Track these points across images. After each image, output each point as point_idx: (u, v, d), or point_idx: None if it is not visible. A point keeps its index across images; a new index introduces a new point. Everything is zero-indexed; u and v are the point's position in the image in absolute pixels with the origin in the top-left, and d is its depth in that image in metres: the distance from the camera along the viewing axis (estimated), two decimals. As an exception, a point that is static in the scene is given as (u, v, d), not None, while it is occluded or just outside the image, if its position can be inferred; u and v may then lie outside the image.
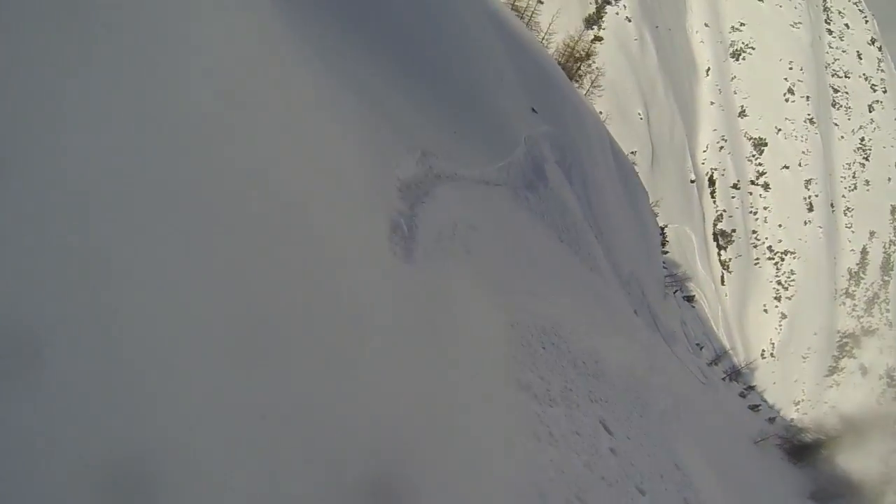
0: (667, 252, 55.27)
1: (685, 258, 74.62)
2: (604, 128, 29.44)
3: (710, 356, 46.45)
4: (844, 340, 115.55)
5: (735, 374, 45.28)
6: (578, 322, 8.44)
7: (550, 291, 8.63)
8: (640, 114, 69.23)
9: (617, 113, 62.03)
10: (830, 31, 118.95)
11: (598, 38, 70.13)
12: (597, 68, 44.46)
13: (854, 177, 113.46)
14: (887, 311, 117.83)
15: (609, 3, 76.48)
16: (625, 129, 61.50)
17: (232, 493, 1.75)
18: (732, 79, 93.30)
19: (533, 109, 15.52)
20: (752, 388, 51.85)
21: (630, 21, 74.02)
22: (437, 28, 10.91)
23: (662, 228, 52.02)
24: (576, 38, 42.31)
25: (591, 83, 43.44)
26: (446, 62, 10.52)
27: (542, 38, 38.91)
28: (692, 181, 77.44)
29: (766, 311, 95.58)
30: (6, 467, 1.25)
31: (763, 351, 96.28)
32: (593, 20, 73.01)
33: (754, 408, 36.45)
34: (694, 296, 72.35)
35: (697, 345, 47.72)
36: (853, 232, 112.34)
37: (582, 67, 43.06)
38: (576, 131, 19.97)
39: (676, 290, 50.67)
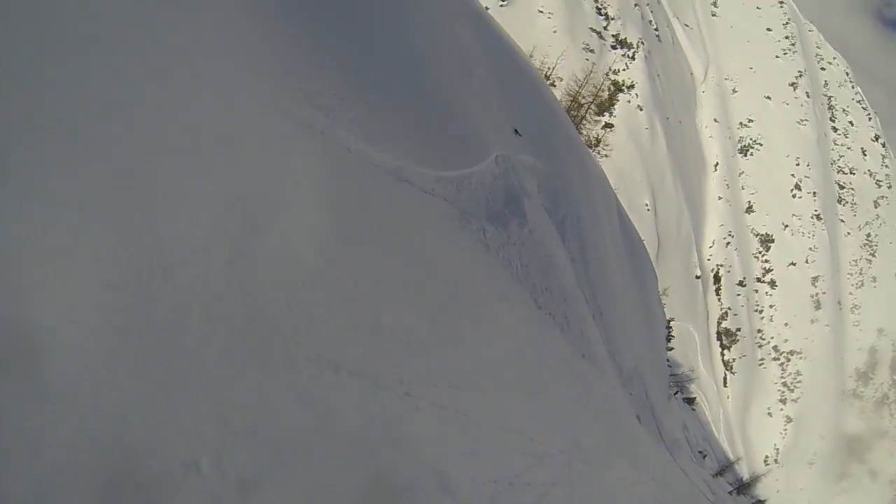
0: (671, 349, 51.98)
1: (686, 357, 71.47)
2: (611, 190, 25.66)
3: (713, 465, 43.49)
4: (853, 444, 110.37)
5: (741, 486, 41.75)
6: (553, 450, 5.35)
7: (506, 386, 5.62)
8: (647, 204, 68.12)
9: (624, 201, 60.76)
10: (835, 129, 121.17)
11: (608, 126, 70.16)
12: (606, 123, 39.82)
13: (861, 273, 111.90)
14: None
15: (620, 91, 77.54)
16: (631, 218, 60.11)
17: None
18: (740, 174, 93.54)
19: (516, 131, 12.17)
20: (761, 502, 48.62)
21: (641, 110, 74.70)
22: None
23: (668, 321, 48.69)
24: (582, 80, 33.74)
25: (598, 140, 37.94)
26: (400, 36, 8.29)
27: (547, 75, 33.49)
28: (697, 277, 75.38)
29: (770, 414, 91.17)
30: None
31: (766, 457, 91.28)
32: (605, 107, 73.56)
33: None
34: (695, 398, 68.95)
35: (700, 453, 44.55)
36: (861, 330, 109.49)
37: (588, 115, 35.27)
38: (576, 178, 15.87)
39: (677, 392, 47.49)
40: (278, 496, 2.08)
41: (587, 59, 70.27)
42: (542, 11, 69.83)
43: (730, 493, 34.33)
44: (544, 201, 12.06)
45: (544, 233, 11.09)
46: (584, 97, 27.60)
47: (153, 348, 1.96)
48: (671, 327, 49.82)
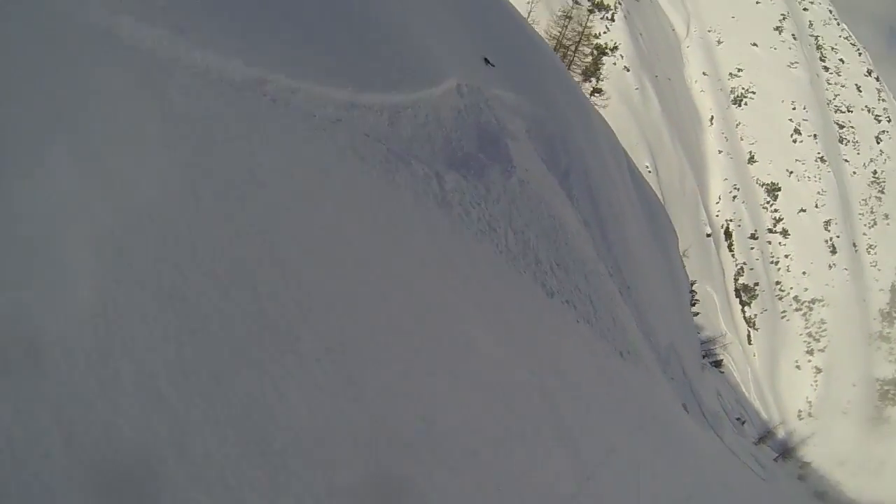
0: (697, 314, 49.39)
1: (709, 319, 69.07)
2: (617, 140, 20.91)
3: (752, 432, 41.37)
4: (886, 388, 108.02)
5: (786, 451, 39.47)
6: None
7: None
8: (647, 166, 65.64)
9: (623, 167, 58.65)
10: (826, 68, 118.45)
11: (597, 91, 67.82)
12: (595, 89, 34.71)
13: (872, 212, 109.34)
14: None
15: (605, 54, 75.48)
16: None
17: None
18: (737, 125, 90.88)
19: (487, 60, 9.09)
20: (807, 464, 46.57)
21: (629, 70, 72.52)
22: None
23: (692, 285, 45.38)
24: (565, 21, 25.09)
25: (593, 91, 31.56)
26: None
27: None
28: (708, 235, 72.93)
29: (798, 367, 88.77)
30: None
31: (800, 412, 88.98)
32: (590, 72, 71.28)
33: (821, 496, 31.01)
34: (721, 360, 66.72)
35: (738, 419, 42.18)
36: (879, 270, 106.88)
37: (577, 58, 27.03)
38: (577, 124, 12.54)
39: (705, 355, 45.10)
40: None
41: (565, 27, 68.02)
42: (512, -19, 67.59)
43: (774, 460, 32.17)
44: (538, 149, 8.74)
45: (543, 186, 7.98)
46: (568, 38, 21.33)
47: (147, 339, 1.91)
48: (694, 290, 47.18)
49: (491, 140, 7.27)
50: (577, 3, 76.25)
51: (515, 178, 7.31)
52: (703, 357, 40.77)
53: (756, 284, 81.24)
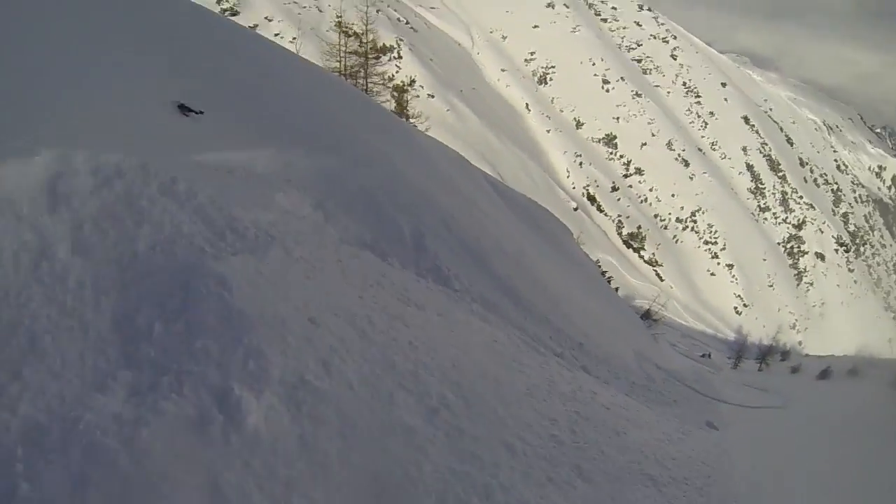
0: (617, 289, 49.14)
1: (622, 284, 71.01)
2: (463, 158, 17.26)
3: (724, 357, 40.60)
4: (789, 245, 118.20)
5: (769, 350, 37.56)
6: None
7: None
8: (492, 176, 67.47)
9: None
10: (605, 20, 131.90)
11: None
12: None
13: (699, 116, 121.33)
14: (800, 196, 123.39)
15: (406, 92, 77.19)
16: None
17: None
18: (552, 101, 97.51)
19: (184, 108, 4.63)
20: (787, 353, 45.61)
21: (433, 97, 74.99)
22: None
23: (597, 264, 44.60)
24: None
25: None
26: None
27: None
28: (575, 209, 75.96)
29: (713, 273, 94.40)
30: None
31: (735, 308, 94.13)
32: (399, 113, 72.83)
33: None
34: (649, 309, 67.94)
35: (703, 356, 41.01)
36: (729, 159, 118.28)
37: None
38: (408, 161, 8.42)
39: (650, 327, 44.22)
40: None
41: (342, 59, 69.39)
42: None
43: (759, 369, 30.84)
44: (348, 228, 5.28)
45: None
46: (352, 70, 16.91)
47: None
48: (601, 267, 47.17)
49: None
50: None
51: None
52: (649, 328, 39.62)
53: (639, 227, 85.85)
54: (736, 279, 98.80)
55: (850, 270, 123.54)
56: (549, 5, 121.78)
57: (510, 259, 9.11)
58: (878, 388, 19.79)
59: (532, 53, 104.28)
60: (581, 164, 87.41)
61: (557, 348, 6.77)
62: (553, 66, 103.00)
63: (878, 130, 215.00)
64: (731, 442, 7.15)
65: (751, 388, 18.71)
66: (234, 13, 72.80)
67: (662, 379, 10.07)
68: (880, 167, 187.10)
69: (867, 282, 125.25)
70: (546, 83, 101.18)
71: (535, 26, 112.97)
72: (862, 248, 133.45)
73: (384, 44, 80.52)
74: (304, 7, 77.12)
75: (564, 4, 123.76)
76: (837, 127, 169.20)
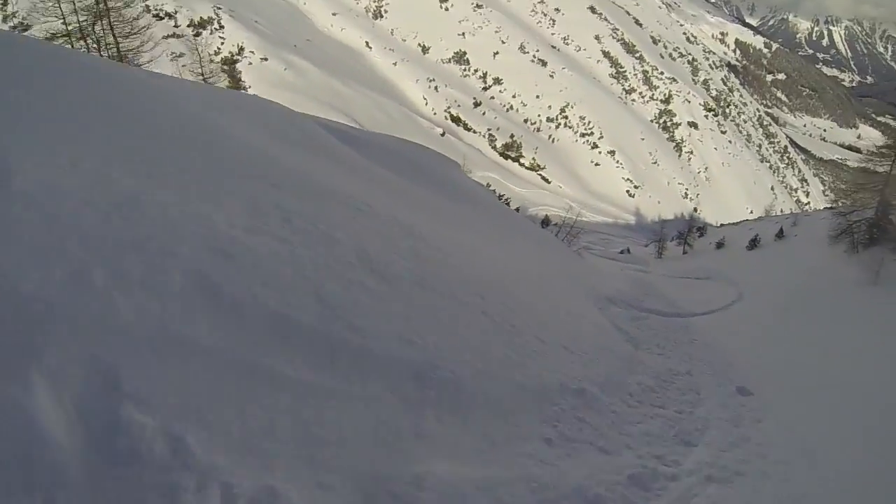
0: (517, 209, 46.67)
1: (520, 201, 70.20)
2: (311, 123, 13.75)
3: (640, 247, 39.71)
4: (661, 121, 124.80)
5: (688, 229, 35.24)
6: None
7: None
8: (354, 125, 63.23)
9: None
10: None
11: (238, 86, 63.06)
12: None
13: (545, 15, 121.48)
14: (661, 73, 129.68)
15: (235, 62, 70.79)
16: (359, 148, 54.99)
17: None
18: (391, 32, 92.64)
19: None
20: (702, 227, 42.74)
21: (267, 59, 68.85)
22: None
23: (493, 191, 40.32)
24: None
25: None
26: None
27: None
28: (442, 134, 73.63)
29: (597, 164, 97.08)
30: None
31: (627, 191, 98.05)
32: (233, 85, 66.25)
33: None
34: (546, 217, 67.65)
35: (623, 252, 39.24)
36: (585, 50, 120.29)
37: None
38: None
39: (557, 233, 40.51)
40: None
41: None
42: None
43: (684, 252, 29.61)
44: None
45: None
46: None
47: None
48: (499, 193, 44.51)
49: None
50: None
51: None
52: (558, 234, 36.12)
53: (512, 136, 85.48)
54: (621, 164, 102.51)
55: (723, 132, 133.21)
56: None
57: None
58: (815, 249, 18.24)
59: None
60: (437, 88, 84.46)
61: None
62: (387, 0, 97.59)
63: (713, 0, 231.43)
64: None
65: (693, 281, 17.84)
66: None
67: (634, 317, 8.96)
68: (722, 34, 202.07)
69: (740, 140, 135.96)
70: (381, 16, 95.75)
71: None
72: (728, 110, 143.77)
73: (201, 17, 71.83)
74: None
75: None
76: (675, 3, 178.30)
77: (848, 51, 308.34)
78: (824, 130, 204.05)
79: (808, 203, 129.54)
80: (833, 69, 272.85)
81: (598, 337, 6.06)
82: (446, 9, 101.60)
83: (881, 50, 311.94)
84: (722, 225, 38.37)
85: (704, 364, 6.45)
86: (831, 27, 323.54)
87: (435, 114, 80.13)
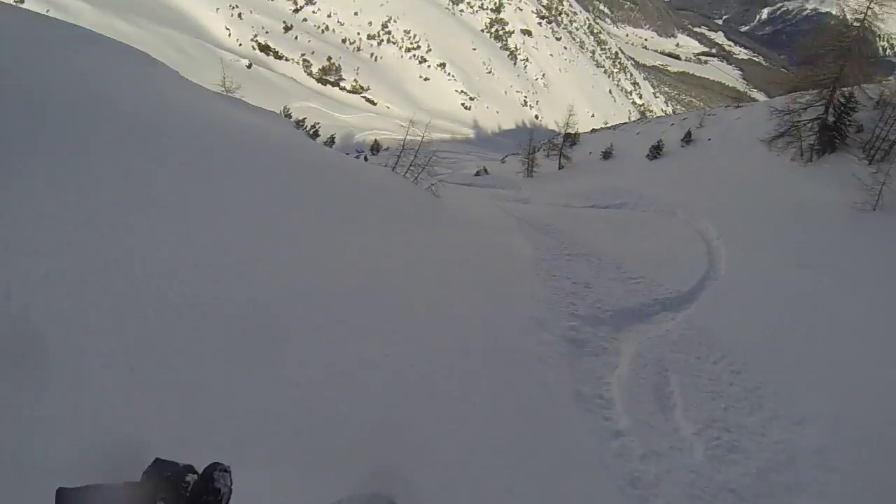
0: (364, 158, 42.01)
1: (331, 125, 70.89)
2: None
3: (497, 164, 32.80)
4: (493, 30, 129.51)
5: (557, 143, 27.93)
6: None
7: None
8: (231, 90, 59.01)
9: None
10: None
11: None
12: None
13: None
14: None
15: None
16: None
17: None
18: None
19: None
20: (573, 135, 33.61)
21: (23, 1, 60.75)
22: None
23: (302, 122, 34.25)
24: None
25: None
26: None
27: None
28: (249, 66, 71.32)
29: (426, 78, 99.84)
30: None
31: (462, 104, 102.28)
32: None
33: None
34: (375, 141, 67.88)
35: (478, 174, 33.08)
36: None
37: None
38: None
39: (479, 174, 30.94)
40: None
41: None
42: None
43: (561, 167, 23.37)
44: None
45: None
46: None
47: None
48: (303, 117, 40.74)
49: None
50: None
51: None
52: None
53: (329, 59, 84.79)
54: (453, 76, 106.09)
55: (558, 39, 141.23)
56: None
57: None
58: (743, 156, 14.80)
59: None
60: (240, 15, 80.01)
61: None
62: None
63: None
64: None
65: (608, 213, 12.86)
66: None
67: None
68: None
69: (574, 46, 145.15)
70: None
71: None
72: (560, 18, 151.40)
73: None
74: None
75: None
76: None
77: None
78: (645, 40, 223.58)
79: (643, 104, 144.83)
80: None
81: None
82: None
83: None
84: (594, 130, 34.96)
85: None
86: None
87: (240, 45, 76.57)
